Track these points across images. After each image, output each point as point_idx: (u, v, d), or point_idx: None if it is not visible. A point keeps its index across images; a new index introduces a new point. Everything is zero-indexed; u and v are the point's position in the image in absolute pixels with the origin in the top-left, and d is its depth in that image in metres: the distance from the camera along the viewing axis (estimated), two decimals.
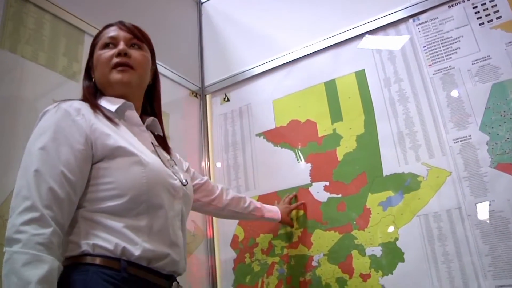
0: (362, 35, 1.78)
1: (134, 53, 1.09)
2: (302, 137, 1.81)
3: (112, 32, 1.11)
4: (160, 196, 0.96)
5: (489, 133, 1.41)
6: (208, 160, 2.07)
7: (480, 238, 1.35)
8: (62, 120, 0.93)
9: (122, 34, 1.11)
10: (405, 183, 1.53)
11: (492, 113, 1.42)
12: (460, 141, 1.45)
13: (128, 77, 1.07)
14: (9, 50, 1.31)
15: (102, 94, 1.10)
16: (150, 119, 1.16)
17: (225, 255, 1.89)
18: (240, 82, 2.09)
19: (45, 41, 1.44)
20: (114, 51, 1.07)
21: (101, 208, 0.90)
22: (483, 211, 1.37)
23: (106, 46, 1.09)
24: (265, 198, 1.82)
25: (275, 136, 1.90)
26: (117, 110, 1.04)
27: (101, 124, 0.98)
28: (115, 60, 1.06)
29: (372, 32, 1.76)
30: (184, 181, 1.07)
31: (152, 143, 1.09)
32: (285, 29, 2.00)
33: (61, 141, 0.90)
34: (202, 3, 2.38)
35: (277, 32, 2.02)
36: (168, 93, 1.98)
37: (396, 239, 1.49)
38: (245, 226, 1.86)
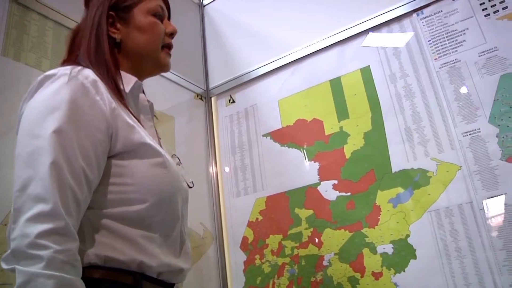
0: (366, 31, 1.76)
1: None
2: (309, 136, 1.80)
3: (160, 1, 1.00)
4: (178, 203, 0.86)
5: (499, 125, 1.38)
6: (215, 163, 2.06)
7: (494, 232, 1.32)
8: (79, 97, 0.75)
9: (165, 9, 1.02)
10: (414, 179, 1.51)
11: (501, 105, 1.39)
12: (469, 134, 1.43)
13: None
14: (13, 59, 1.31)
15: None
16: (150, 104, 1.00)
17: (235, 257, 1.88)
18: (245, 83, 2.08)
19: (49, 48, 1.44)
20: (167, 29, 0.99)
21: (112, 212, 0.75)
22: (495, 205, 1.34)
23: (155, 15, 0.97)
24: (273, 199, 1.81)
25: (282, 136, 1.89)
26: (130, 90, 0.90)
27: (121, 109, 0.82)
28: (169, 40, 1.00)
29: (376, 28, 1.74)
30: (190, 183, 0.97)
31: (157, 137, 0.97)
32: (288, 28, 1.99)
33: (79, 125, 0.73)
34: (204, 6, 2.38)
35: (280, 31, 2.01)
36: (173, 97, 1.98)
37: (408, 236, 1.47)
38: (254, 228, 1.84)
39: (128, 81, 0.90)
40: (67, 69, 0.78)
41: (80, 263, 0.67)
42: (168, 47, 1.00)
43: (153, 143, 0.83)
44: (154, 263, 0.77)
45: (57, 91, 0.74)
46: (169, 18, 1.04)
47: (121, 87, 0.87)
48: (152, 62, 0.97)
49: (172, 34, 1.00)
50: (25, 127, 0.73)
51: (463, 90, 1.48)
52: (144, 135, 0.82)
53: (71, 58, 0.91)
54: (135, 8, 0.95)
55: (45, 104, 0.73)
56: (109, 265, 0.73)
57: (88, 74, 0.79)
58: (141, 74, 0.97)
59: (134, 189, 0.77)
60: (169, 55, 1.01)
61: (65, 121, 0.71)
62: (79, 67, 0.80)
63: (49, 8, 1.47)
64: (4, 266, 0.65)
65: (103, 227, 0.74)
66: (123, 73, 0.91)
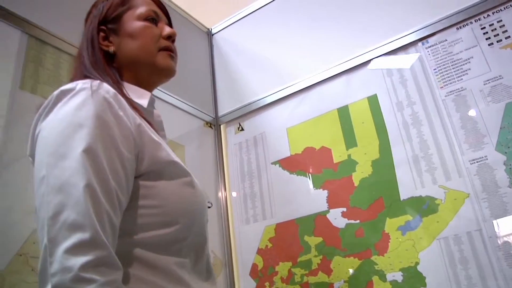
0: (372, 60, 1.79)
1: None
2: (318, 164, 1.82)
3: (153, 6, 0.95)
4: (204, 224, 0.81)
5: (506, 152, 1.40)
6: (225, 190, 2.08)
7: (504, 261, 1.32)
8: (104, 113, 0.68)
9: (163, 14, 0.97)
10: (423, 207, 1.51)
11: (507, 132, 1.41)
12: (477, 162, 1.44)
13: (175, 67, 0.93)
14: (30, 92, 1.36)
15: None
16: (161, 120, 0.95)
17: (244, 285, 1.88)
18: (254, 111, 2.12)
19: (63, 81, 1.48)
20: (164, 32, 0.93)
21: (142, 239, 0.69)
22: (505, 232, 1.34)
23: (148, 19, 0.91)
24: (283, 226, 1.82)
25: (291, 164, 1.91)
26: (148, 106, 0.85)
27: (144, 125, 0.75)
28: (167, 43, 0.92)
29: (382, 56, 1.77)
30: (208, 203, 0.87)
31: None
32: (296, 57, 2.03)
33: (108, 143, 0.66)
34: (212, 34, 2.43)
35: (288, 60, 2.05)
36: (183, 125, 2.02)
37: (417, 263, 1.47)
38: (264, 255, 1.85)
39: (141, 95, 0.85)
40: (85, 82, 0.71)
41: None
42: (167, 49, 0.92)
43: (180, 160, 0.78)
44: None
45: (80, 106, 0.67)
46: (170, 26, 0.99)
47: (134, 100, 0.82)
48: (149, 68, 0.90)
49: (170, 37, 0.93)
50: (48, 147, 0.66)
51: (470, 118, 1.50)
52: (170, 152, 0.78)
53: (77, 77, 0.83)
54: (124, 16, 0.91)
55: (68, 121, 0.66)
56: None
57: (108, 88, 0.73)
58: (144, 84, 0.90)
59: (164, 211, 0.71)
60: (171, 56, 0.93)
61: (93, 139, 0.64)
62: (97, 81, 0.73)
63: (63, 41, 1.51)
64: None
65: (133, 257, 0.67)
66: (134, 87, 0.86)
